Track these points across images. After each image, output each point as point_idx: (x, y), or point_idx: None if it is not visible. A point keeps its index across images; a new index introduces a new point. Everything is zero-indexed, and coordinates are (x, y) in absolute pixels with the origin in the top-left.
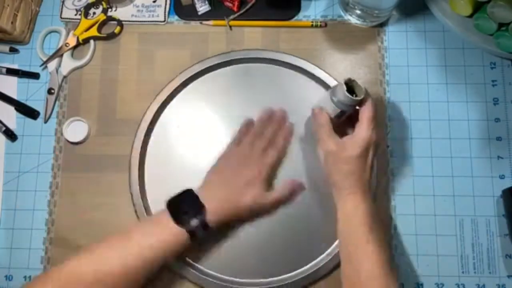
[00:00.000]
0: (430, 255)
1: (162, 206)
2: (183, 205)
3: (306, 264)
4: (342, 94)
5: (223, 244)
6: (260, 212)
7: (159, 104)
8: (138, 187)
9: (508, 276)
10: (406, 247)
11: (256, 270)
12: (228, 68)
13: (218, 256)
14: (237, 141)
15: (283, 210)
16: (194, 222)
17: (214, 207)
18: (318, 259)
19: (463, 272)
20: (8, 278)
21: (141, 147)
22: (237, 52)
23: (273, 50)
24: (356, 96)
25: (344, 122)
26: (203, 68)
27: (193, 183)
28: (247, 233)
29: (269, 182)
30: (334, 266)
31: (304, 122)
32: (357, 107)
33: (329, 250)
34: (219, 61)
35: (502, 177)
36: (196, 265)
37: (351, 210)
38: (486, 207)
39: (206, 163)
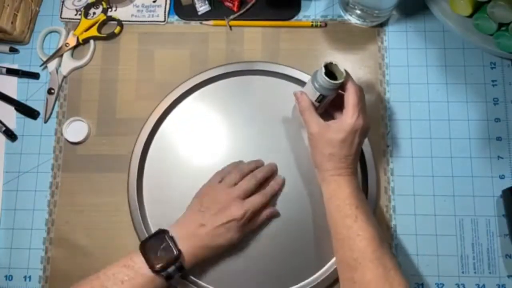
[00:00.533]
0: (430, 255)
1: (157, 209)
2: (159, 249)
3: (302, 280)
4: (321, 77)
5: (222, 260)
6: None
7: (164, 108)
8: (135, 187)
9: (508, 276)
10: (406, 247)
11: (249, 284)
12: (229, 79)
13: (216, 271)
14: (222, 176)
15: (281, 226)
16: (171, 268)
17: (191, 252)
18: (316, 275)
19: (463, 272)
20: (8, 278)
21: (142, 149)
22: (237, 64)
23: (274, 62)
24: (336, 79)
25: (332, 106)
26: (204, 79)
27: (187, 190)
28: (244, 249)
29: (248, 222)
30: (331, 283)
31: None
32: (340, 91)
33: (326, 267)
34: (221, 73)
35: (502, 177)
36: (196, 280)
37: (335, 190)
38: (486, 207)
39: (203, 170)
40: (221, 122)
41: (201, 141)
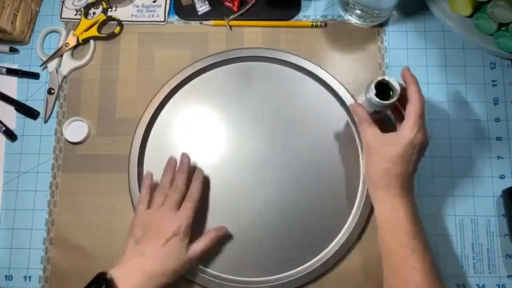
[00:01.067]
0: None
1: None
2: None
3: (302, 264)
4: (373, 98)
5: (223, 244)
6: (191, 265)
7: (158, 103)
8: (137, 185)
9: (508, 276)
10: None
11: (252, 269)
12: (227, 66)
13: (217, 255)
14: (146, 202)
15: (282, 217)
16: None
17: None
18: (314, 260)
19: (463, 272)
20: (8, 278)
21: (140, 146)
22: (237, 50)
23: (272, 48)
24: (389, 97)
25: (394, 114)
26: (202, 66)
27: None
28: (243, 234)
29: (189, 234)
30: (327, 269)
31: (302, 116)
32: (397, 104)
33: (324, 252)
34: (219, 60)
35: (502, 177)
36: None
37: (391, 215)
38: (486, 207)
39: (204, 160)
40: (219, 114)
41: (199, 134)
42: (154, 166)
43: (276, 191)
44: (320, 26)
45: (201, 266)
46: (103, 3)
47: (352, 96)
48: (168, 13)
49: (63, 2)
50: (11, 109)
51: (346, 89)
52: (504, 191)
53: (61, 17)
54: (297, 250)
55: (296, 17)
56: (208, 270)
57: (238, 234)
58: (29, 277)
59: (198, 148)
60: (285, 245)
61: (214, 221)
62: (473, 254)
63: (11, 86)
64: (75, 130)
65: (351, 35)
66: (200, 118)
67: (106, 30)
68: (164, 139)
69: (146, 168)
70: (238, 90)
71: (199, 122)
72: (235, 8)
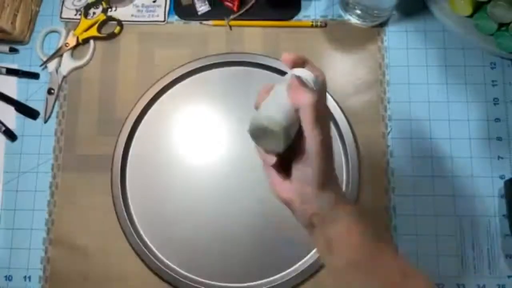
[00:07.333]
0: (430, 255)
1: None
2: None
3: (284, 270)
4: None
5: (204, 248)
6: None
7: (146, 102)
8: (119, 187)
9: (509, 276)
10: (406, 247)
11: (234, 274)
12: (216, 70)
13: (196, 259)
14: None
15: (264, 215)
16: None
17: None
18: (296, 265)
19: (463, 272)
20: (8, 278)
21: (125, 146)
22: (224, 55)
23: (269, 55)
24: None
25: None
26: (192, 68)
27: (177, 181)
28: (226, 238)
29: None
30: (311, 273)
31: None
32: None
33: (306, 258)
34: (209, 63)
35: (502, 177)
36: (177, 268)
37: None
38: (486, 207)
39: (187, 161)
40: (206, 116)
41: (187, 134)
42: (138, 164)
43: (260, 196)
44: (320, 26)
45: (184, 272)
46: (103, 3)
47: (348, 120)
48: (168, 13)
49: (63, 2)
50: (11, 109)
51: (343, 112)
52: (505, 182)
53: (61, 17)
54: (273, 258)
55: (296, 17)
56: (184, 272)
57: (222, 238)
58: (29, 277)
59: (185, 146)
60: (268, 250)
61: (197, 224)
62: (474, 254)
63: (11, 86)
64: None
65: (351, 35)
66: (187, 117)
67: (106, 30)
68: (150, 137)
69: (129, 168)
70: (228, 94)
71: (185, 120)
72: (235, 8)
